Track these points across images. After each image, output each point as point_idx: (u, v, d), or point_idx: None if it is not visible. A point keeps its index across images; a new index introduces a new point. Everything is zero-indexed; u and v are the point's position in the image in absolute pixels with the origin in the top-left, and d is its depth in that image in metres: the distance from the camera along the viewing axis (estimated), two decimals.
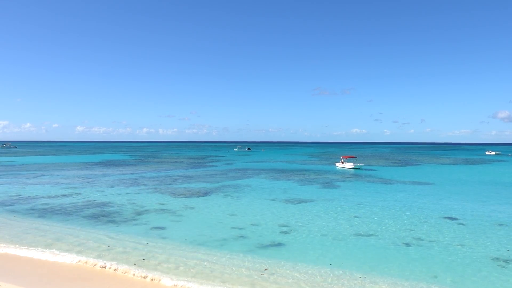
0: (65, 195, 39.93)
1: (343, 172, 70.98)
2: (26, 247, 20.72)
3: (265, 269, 17.33)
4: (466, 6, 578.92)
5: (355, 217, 29.61)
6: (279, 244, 21.67)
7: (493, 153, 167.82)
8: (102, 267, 17.55)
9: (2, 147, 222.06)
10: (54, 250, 20.24)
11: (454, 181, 57.38)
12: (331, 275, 16.76)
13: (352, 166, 77.84)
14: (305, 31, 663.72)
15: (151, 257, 18.99)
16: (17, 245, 21.11)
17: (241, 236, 23.43)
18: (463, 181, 56.84)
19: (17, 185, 49.01)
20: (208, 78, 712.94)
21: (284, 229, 25.41)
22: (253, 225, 26.58)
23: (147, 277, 16.27)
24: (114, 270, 17.20)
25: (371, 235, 24.00)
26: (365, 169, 76.49)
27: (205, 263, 18.23)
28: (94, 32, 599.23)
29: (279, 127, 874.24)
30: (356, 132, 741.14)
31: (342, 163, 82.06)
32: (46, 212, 30.90)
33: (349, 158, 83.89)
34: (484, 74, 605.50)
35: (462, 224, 27.25)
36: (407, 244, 21.81)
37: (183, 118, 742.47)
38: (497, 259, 19.18)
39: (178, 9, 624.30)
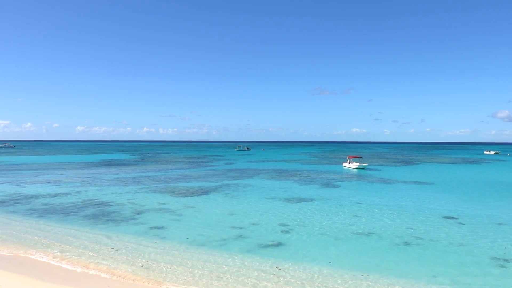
0: (65, 194, 39.95)
1: (343, 172, 71.12)
2: (26, 247, 20.77)
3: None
4: (465, 6, 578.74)
5: (355, 216, 29.64)
6: (280, 244, 21.69)
7: (492, 152, 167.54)
8: (101, 269, 17.59)
9: (0, 147, 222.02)
10: (54, 250, 20.28)
11: (454, 180, 57.42)
12: (332, 274, 16.79)
13: (357, 166, 78.66)
14: (305, 31, 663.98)
15: (151, 259, 19.04)
16: (17, 244, 21.16)
17: (241, 236, 23.45)
18: (462, 181, 56.89)
19: (17, 184, 49.02)
20: (209, 78, 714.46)
21: (284, 228, 25.43)
22: (253, 224, 26.61)
23: (146, 281, 16.28)
24: (112, 272, 17.23)
25: (371, 234, 24.04)
26: (366, 169, 76.76)
27: (206, 264, 18.27)
28: (95, 31, 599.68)
29: (279, 127, 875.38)
30: (356, 131, 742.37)
31: (349, 163, 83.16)
32: (46, 212, 30.92)
33: (354, 158, 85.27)
34: (484, 73, 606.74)
35: (461, 223, 27.30)
36: (407, 243, 21.85)
37: (183, 117, 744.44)
38: (496, 258, 19.22)
39: (179, 9, 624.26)
